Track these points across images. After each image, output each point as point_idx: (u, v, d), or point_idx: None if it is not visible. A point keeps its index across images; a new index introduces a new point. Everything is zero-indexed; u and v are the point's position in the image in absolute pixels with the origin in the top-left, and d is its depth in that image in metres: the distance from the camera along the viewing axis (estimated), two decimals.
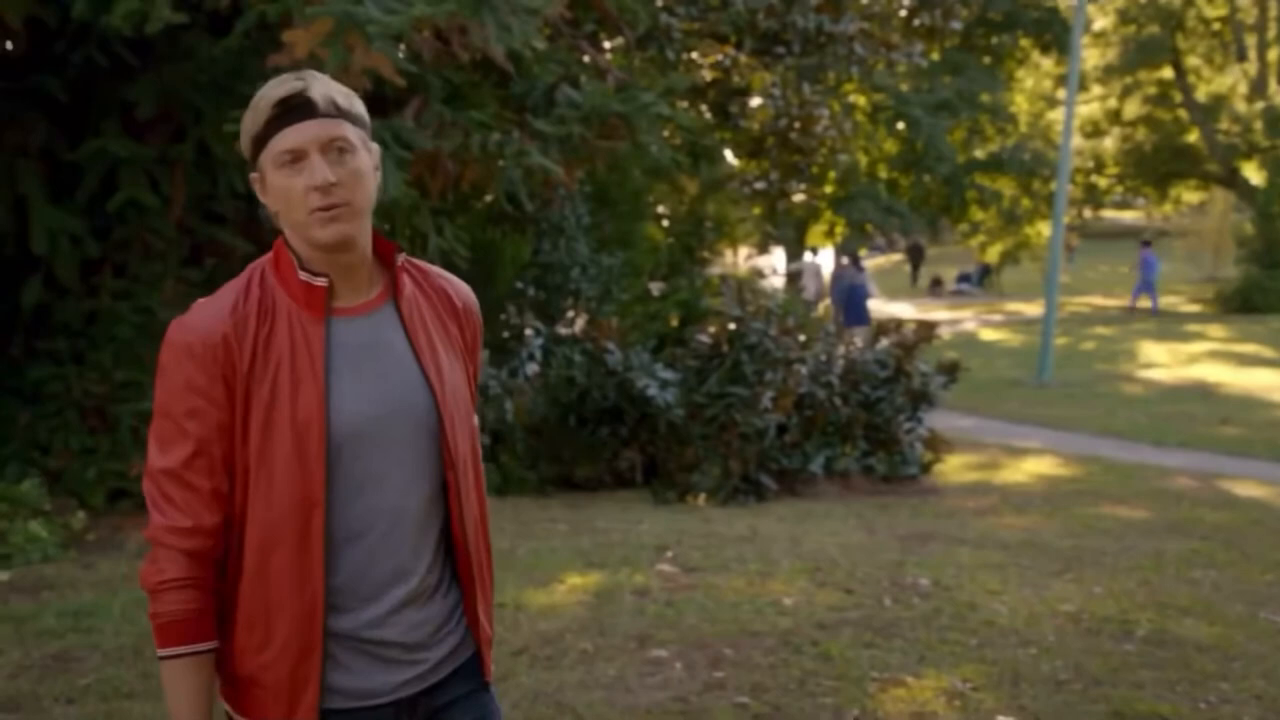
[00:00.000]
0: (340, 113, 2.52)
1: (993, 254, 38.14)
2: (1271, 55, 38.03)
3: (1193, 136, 39.03)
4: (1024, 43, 32.69)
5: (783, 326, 11.98)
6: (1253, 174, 37.51)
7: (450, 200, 11.70)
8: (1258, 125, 36.07)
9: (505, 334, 13.46)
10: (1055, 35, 30.62)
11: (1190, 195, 43.52)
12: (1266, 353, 24.89)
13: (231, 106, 8.77)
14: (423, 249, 10.84)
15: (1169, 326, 30.98)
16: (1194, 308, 36.60)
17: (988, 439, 15.18)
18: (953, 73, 29.25)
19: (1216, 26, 39.69)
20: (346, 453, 2.55)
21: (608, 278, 14.68)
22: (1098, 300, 39.05)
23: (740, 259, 31.40)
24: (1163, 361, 23.87)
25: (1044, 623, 7.08)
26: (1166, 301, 37.85)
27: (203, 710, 2.52)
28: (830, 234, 31.45)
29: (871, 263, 48.59)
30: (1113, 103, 39.50)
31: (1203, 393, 19.51)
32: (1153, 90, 39.36)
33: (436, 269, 2.83)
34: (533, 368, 12.80)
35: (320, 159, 2.48)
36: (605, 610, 7.17)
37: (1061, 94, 28.88)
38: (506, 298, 13.31)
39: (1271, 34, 38.21)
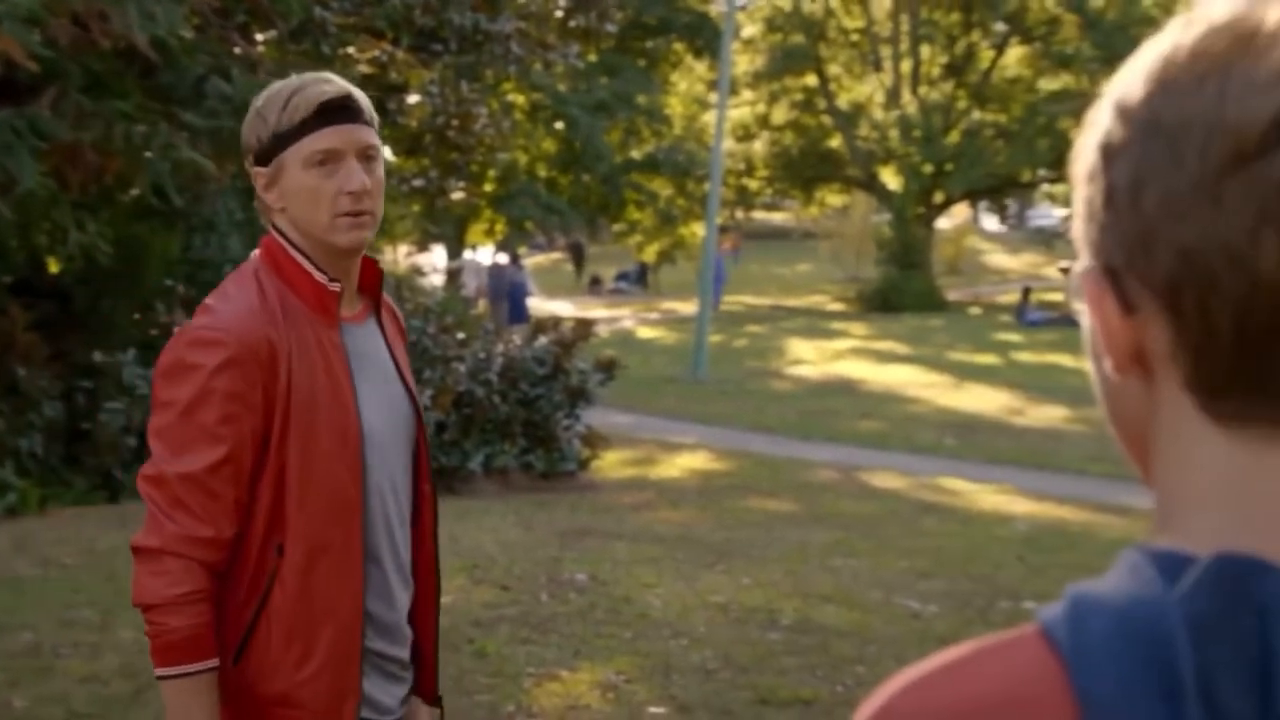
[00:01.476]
0: (371, 121, 2.49)
1: (650, 253, 38.92)
2: (905, 66, 39.96)
3: (835, 142, 40.65)
4: (677, 47, 33.51)
5: (441, 324, 11.97)
6: (890, 179, 39.38)
7: (93, 194, 11.21)
8: (893, 133, 37.86)
9: (153, 331, 12.99)
10: (707, 40, 31.51)
11: (834, 198, 45.33)
12: (903, 350, 26.19)
13: None
14: (62, 244, 10.37)
15: (816, 325, 32.25)
16: (838, 307, 38.24)
17: (644, 435, 15.49)
18: (609, 74, 29.73)
19: (855, 38, 41.45)
20: (371, 462, 2.50)
21: None
22: (749, 299, 40.33)
23: (399, 256, 31.15)
24: (810, 359, 24.83)
25: (695, 614, 7.28)
26: (813, 301, 39.43)
27: None
28: (490, 232, 31.55)
29: (532, 261, 48.89)
30: (762, 108, 40.75)
31: (846, 389, 20.38)
32: (799, 96, 40.83)
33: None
34: None
35: (356, 164, 2.44)
36: None
37: (713, 98, 29.67)
38: (155, 295, 12.83)
39: (904, 46, 40.16)
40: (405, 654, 2.64)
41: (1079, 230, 0.81)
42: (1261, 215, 0.70)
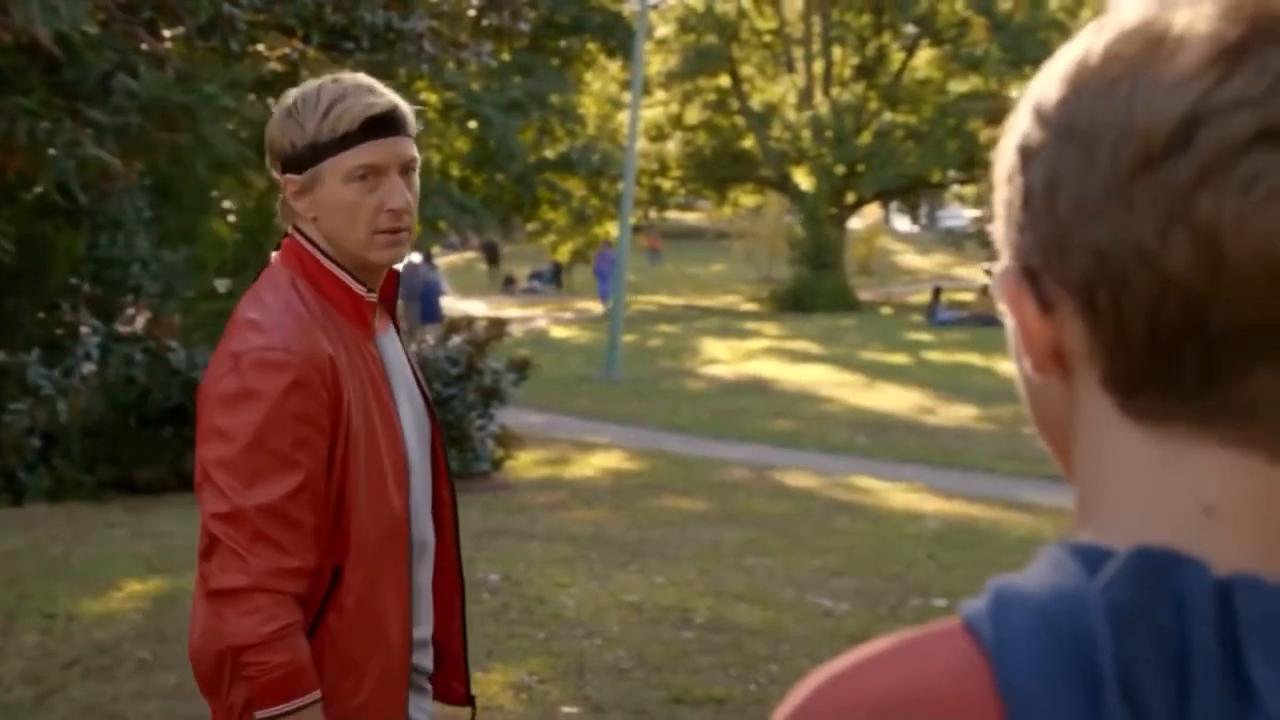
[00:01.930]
0: (413, 131, 2.41)
1: (563, 253, 38.88)
2: (817, 68, 40.24)
3: (748, 142, 40.85)
4: (591, 46, 33.46)
5: None
6: (802, 179, 39.63)
7: None
8: (805, 134, 38.11)
9: (59, 331, 12.80)
10: (620, 40, 31.48)
11: (747, 199, 45.54)
12: (816, 350, 26.35)
13: None
14: None
15: (729, 324, 32.36)
16: (751, 306, 38.41)
17: (558, 435, 15.47)
18: (523, 73, 29.64)
19: (768, 39, 41.70)
20: (412, 478, 2.45)
21: (171, 274, 14.16)
22: (663, 299, 40.40)
23: None
24: (723, 358, 24.92)
25: (609, 614, 7.28)
26: (726, 301, 39.57)
27: None
28: None
29: (445, 260, 48.67)
30: (675, 108, 40.89)
31: (759, 388, 20.47)
32: (712, 97, 41.00)
33: None
34: (89, 367, 12.21)
35: (398, 180, 2.35)
36: (167, 617, 6.92)
37: (627, 97, 29.69)
38: (60, 294, 12.65)
39: (816, 48, 40.44)
40: (429, 664, 2.61)
41: (999, 232, 0.83)
42: (1169, 216, 0.71)
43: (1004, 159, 0.82)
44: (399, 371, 2.52)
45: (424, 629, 2.55)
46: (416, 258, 28.54)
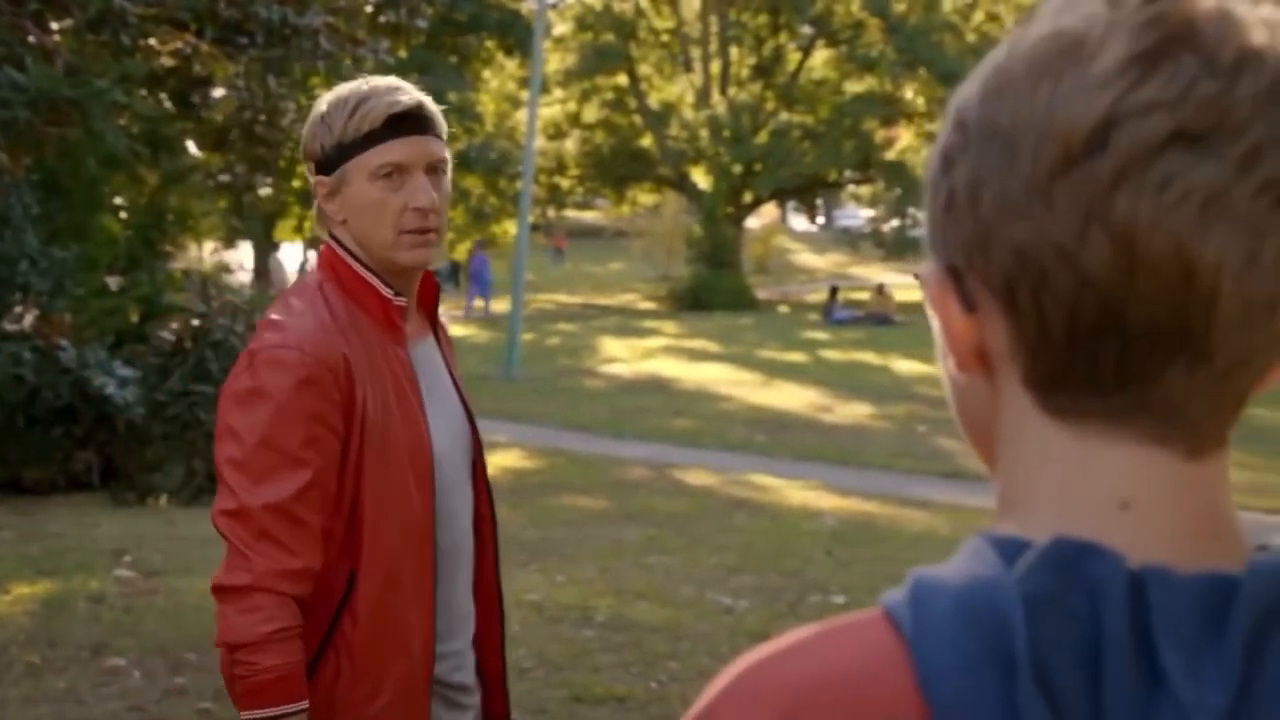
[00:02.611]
0: (441, 132, 2.40)
1: (461, 251, 38.70)
2: (714, 67, 40.44)
3: (646, 141, 40.93)
4: (488, 44, 33.35)
5: (250, 323, 11.72)
6: (700, 179, 39.79)
7: None
8: (703, 133, 38.27)
9: None
10: (518, 38, 31.40)
11: (645, 197, 45.64)
12: (714, 348, 26.45)
13: None
14: None
15: (628, 323, 32.40)
16: (649, 305, 38.48)
17: None
18: (420, 71, 29.42)
19: (665, 38, 41.84)
20: (440, 485, 2.41)
21: (60, 271, 13.88)
22: (562, 297, 40.37)
23: (205, 253, 30.50)
24: (623, 357, 24.94)
25: (509, 613, 7.21)
26: (624, 300, 39.61)
27: None
28: (299, 229, 31.03)
29: None
30: (573, 106, 40.89)
31: (658, 386, 20.51)
32: (610, 96, 41.04)
33: None
34: None
35: (424, 179, 2.33)
36: (56, 620, 6.80)
37: (525, 95, 29.65)
38: None
39: (714, 48, 40.63)
40: (470, 679, 2.58)
41: (925, 233, 0.85)
42: (1088, 215, 0.73)
43: (930, 163, 0.84)
44: (434, 378, 2.51)
45: (458, 642, 2.53)
46: (314, 256, 28.31)
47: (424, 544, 2.39)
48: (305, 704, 2.26)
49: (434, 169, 2.39)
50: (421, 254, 2.39)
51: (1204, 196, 0.71)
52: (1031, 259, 0.75)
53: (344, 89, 2.40)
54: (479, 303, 35.33)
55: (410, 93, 2.39)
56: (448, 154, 2.44)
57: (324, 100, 2.40)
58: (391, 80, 2.43)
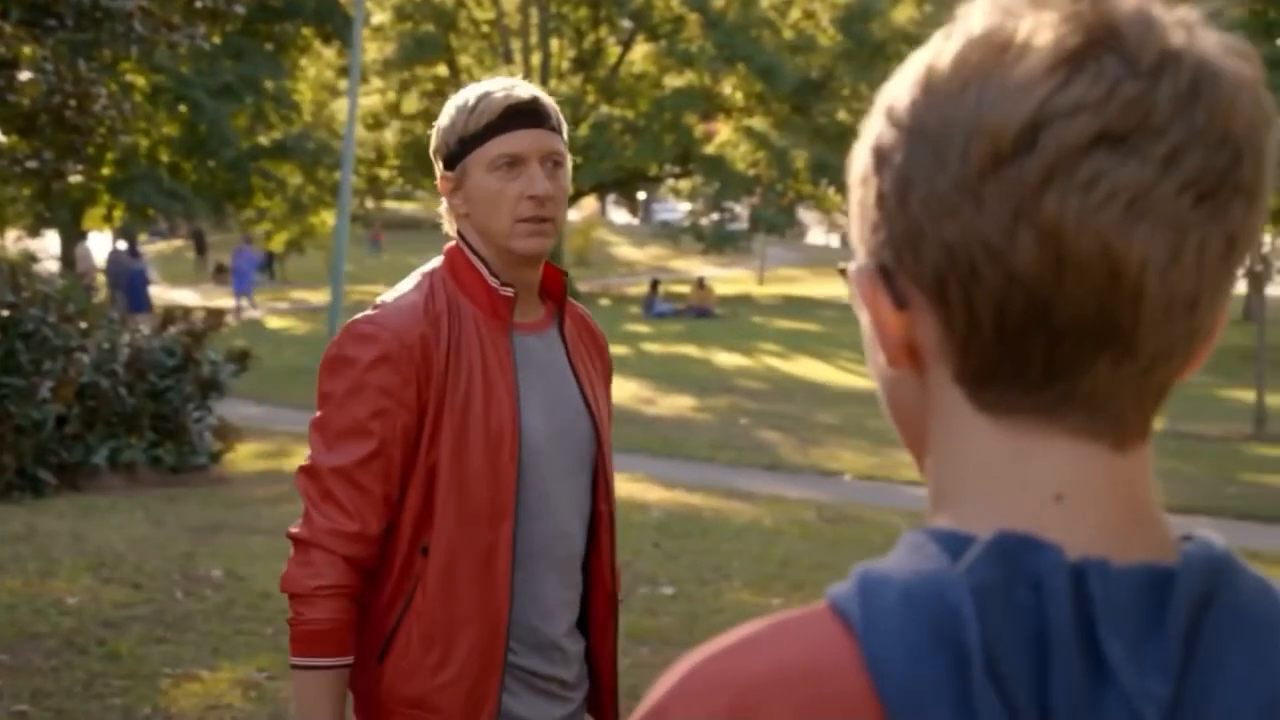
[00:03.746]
0: (558, 127, 2.46)
1: (278, 242, 38.05)
2: (535, 59, 40.36)
3: None
4: (306, 32, 32.83)
5: (62, 313, 11.40)
6: None
7: None
8: None
9: None
10: (336, 27, 30.96)
11: None
12: None
13: None
14: None
15: None
16: None
17: (278, 427, 15.14)
18: (235, 57, 28.89)
19: (486, 29, 41.61)
20: (529, 469, 2.45)
21: None
22: (382, 289, 39.89)
23: (10, 241, 29.54)
24: None
25: None
26: None
27: None
28: (109, 218, 30.22)
29: (153, 248, 47.13)
30: (392, 96, 40.47)
31: None
32: (430, 86, 40.64)
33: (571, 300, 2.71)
34: None
35: (539, 169, 2.40)
36: None
37: (344, 85, 29.27)
38: None
39: (534, 40, 40.54)
40: (569, 674, 2.58)
41: (854, 231, 0.86)
42: (1016, 213, 0.75)
43: (858, 162, 0.85)
44: (546, 368, 2.56)
45: (549, 633, 2.54)
46: (123, 246, 27.56)
47: (500, 523, 2.45)
48: (346, 660, 2.40)
49: (551, 161, 2.48)
50: (537, 243, 2.48)
51: (1129, 196, 0.74)
52: (961, 257, 0.77)
53: (468, 89, 2.53)
54: (243, 301, 33.03)
55: (525, 87, 2.50)
56: (565, 148, 2.52)
57: (451, 101, 2.54)
58: (511, 79, 2.54)
